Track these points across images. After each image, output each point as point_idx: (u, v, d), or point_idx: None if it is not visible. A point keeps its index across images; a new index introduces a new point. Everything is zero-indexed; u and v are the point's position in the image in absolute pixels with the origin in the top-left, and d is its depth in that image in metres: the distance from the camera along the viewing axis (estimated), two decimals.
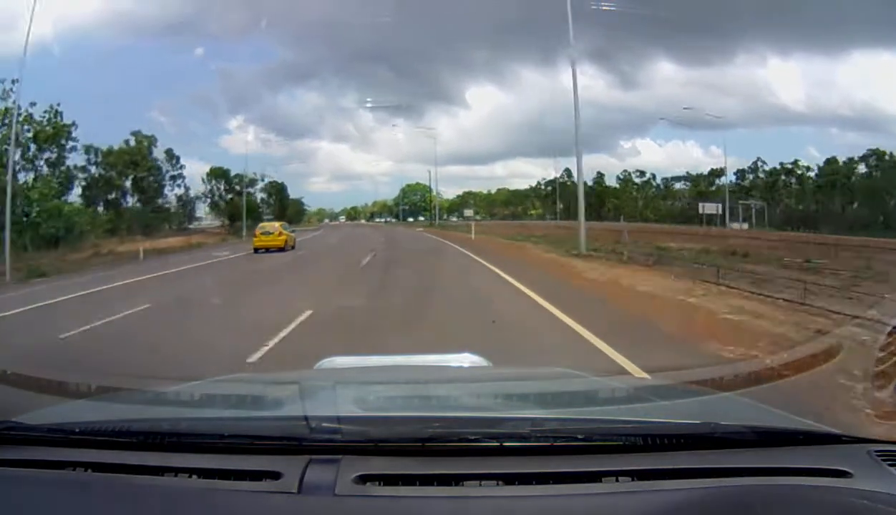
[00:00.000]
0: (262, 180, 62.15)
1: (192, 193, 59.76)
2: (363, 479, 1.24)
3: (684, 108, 48.44)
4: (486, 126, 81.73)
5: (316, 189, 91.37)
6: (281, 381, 2.42)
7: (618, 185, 66.67)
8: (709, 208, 49.88)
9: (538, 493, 1.24)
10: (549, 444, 1.36)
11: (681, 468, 1.29)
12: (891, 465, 1.32)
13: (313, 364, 2.49)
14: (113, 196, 50.94)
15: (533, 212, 68.79)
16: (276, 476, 1.26)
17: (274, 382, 2.44)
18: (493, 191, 76.83)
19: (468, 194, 76.09)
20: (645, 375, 4.95)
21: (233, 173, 60.23)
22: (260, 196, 68.73)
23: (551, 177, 70.08)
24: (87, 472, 1.36)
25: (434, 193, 67.72)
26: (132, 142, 50.70)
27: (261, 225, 32.25)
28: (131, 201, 53.83)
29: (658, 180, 63.43)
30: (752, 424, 1.53)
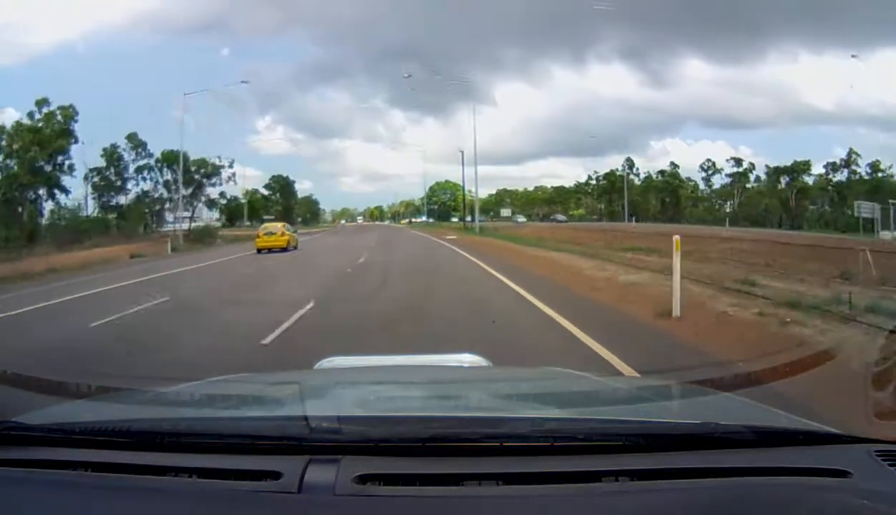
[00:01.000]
0: (230, 167, 50.77)
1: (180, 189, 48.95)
2: (363, 479, 1.24)
3: (852, 55, 41.96)
4: (516, 125, 78.98)
5: (346, 189, 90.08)
6: (281, 381, 2.43)
7: (676, 179, 57.33)
8: (864, 210, 35.75)
9: (538, 493, 1.24)
10: (549, 444, 1.36)
11: (681, 468, 1.29)
12: (891, 465, 1.32)
13: (313, 364, 2.49)
14: (34, 193, 39.13)
15: (574, 211, 62.87)
16: (276, 476, 1.26)
17: (274, 382, 2.44)
18: (531, 189, 69.91)
19: (504, 192, 68.37)
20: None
21: (194, 157, 48.61)
22: (263, 192, 61.31)
23: (590, 174, 61.78)
24: (87, 472, 1.35)
25: (466, 188, 56.69)
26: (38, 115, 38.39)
27: (263, 225, 32.61)
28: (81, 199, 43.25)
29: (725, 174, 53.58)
30: (752, 424, 1.53)
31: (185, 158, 47.32)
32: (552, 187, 68.09)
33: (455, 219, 64.36)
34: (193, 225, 47.04)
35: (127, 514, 1.26)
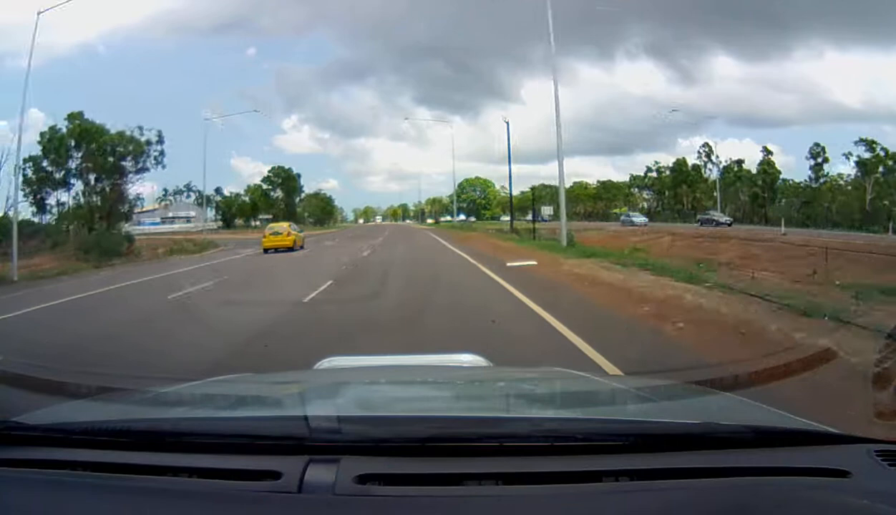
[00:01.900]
0: (159, 142, 36.62)
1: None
2: (363, 479, 1.24)
3: None
4: (543, 124, 77.70)
5: (373, 187, 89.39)
6: (281, 381, 2.43)
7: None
8: None
9: (538, 493, 1.24)
10: (548, 444, 1.36)
11: (681, 468, 1.29)
12: (891, 465, 1.32)
13: (313, 364, 2.49)
14: None
15: (619, 209, 54.82)
16: (276, 475, 1.26)
17: (274, 382, 2.45)
18: (567, 186, 66.58)
19: (542, 188, 54.78)
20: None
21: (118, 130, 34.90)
22: (264, 187, 53.04)
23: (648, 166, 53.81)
24: (88, 472, 1.36)
25: (499, 184, 47.19)
26: None
27: (269, 225, 32.42)
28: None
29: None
30: (752, 424, 1.53)
31: (101, 132, 34.86)
32: (598, 182, 60.78)
33: (505, 218, 52.20)
34: (134, 227, 35.49)
35: (127, 514, 1.26)
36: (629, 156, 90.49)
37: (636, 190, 58.76)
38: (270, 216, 45.59)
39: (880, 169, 42.80)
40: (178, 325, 9.30)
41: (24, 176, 34.04)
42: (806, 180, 47.91)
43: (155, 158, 37.23)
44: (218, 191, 48.81)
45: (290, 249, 27.51)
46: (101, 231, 31.15)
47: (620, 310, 8.90)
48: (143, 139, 36.46)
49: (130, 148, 36.38)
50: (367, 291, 11.66)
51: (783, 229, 18.39)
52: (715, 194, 49.99)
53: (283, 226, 31.24)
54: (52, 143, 34.76)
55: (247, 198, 53.12)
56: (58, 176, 35.26)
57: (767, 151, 49.89)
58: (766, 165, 49.44)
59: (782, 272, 13.54)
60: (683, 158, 53.58)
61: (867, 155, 43.39)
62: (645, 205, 57.42)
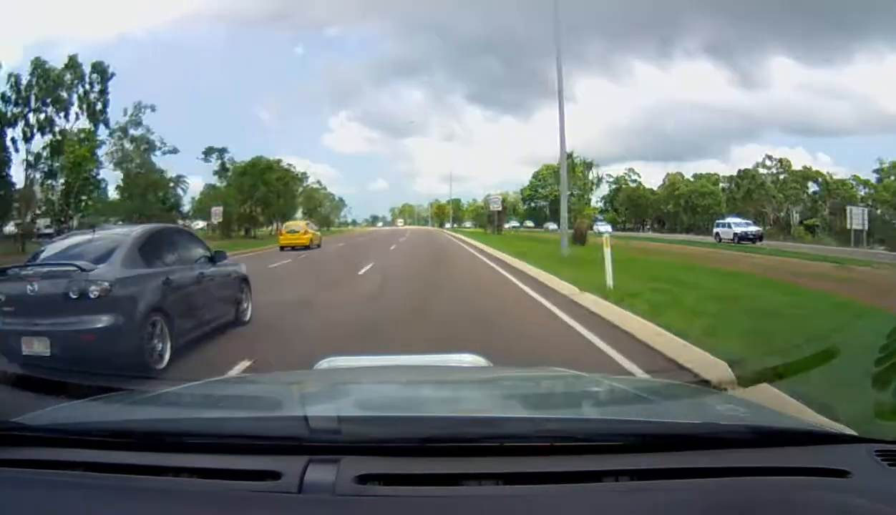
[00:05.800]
0: None
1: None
2: (363, 479, 1.24)
3: None
4: (597, 125, 74.99)
5: (421, 188, 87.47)
6: (281, 381, 2.43)
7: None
8: None
9: (538, 493, 1.24)
10: (549, 444, 1.36)
11: (681, 468, 1.29)
12: (891, 465, 1.32)
13: (313, 364, 2.49)
14: None
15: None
16: (276, 476, 1.26)
17: (274, 382, 2.45)
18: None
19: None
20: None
21: None
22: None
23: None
24: (87, 473, 1.36)
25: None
26: None
27: (286, 224, 33.82)
28: None
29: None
30: (752, 424, 1.53)
31: None
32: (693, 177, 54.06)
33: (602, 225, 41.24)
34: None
35: (127, 514, 1.26)
36: (682, 163, 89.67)
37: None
38: (54, 222, 24.92)
39: None
40: None
41: None
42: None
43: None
44: (56, 150, 24.86)
45: (307, 247, 27.89)
46: None
47: None
48: None
49: None
50: None
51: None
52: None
53: (301, 224, 32.38)
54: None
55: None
56: None
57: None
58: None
59: None
60: (834, 176, 48.75)
61: None
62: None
